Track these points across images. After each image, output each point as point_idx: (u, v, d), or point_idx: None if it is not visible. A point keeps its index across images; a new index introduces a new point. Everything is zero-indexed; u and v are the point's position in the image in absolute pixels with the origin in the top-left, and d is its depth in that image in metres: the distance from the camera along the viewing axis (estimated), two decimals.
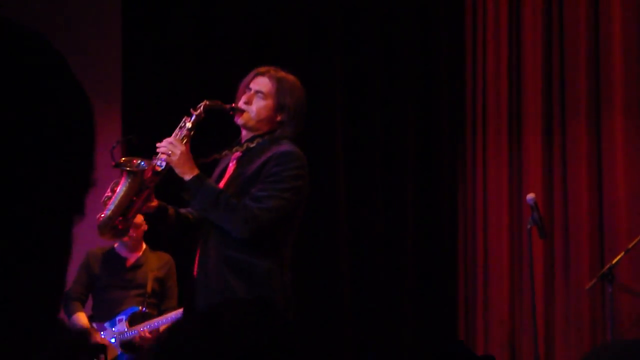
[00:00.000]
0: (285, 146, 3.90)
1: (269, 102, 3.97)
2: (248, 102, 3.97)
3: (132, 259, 5.85)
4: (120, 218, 3.77)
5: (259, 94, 3.97)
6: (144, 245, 5.93)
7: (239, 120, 3.98)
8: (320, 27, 6.99)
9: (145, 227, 5.82)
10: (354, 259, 6.84)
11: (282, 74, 4.06)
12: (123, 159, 3.87)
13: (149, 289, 5.74)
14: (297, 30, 6.96)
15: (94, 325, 5.69)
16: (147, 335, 5.54)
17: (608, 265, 5.72)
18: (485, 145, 6.88)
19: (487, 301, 6.75)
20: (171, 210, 4.01)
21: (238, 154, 3.99)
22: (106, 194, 3.78)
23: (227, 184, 3.89)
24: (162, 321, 5.59)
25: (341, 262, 6.81)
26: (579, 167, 6.67)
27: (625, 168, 6.58)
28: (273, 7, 6.99)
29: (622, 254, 5.80)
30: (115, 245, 5.85)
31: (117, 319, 5.67)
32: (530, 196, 5.52)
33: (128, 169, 3.78)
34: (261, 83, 4.00)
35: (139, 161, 3.83)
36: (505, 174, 6.80)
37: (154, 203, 3.91)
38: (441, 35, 6.99)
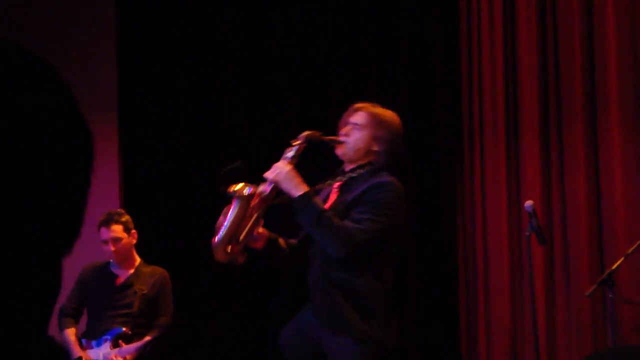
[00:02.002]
0: (386, 177, 4.22)
1: (364, 134, 4.29)
2: (346, 135, 4.30)
3: (122, 277, 5.76)
4: (231, 242, 4.06)
5: (356, 127, 4.30)
6: (138, 260, 5.84)
7: (338, 151, 4.31)
8: (315, 32, 6.98)
9: (134, 239, 5.76)
10: None
11: (378, 108, 4.40)
12: (233, 185, 4.09)
13: (135, 309, 5.64)
14: (291, 34, 6.95)
15: (84, 342, 5.65)
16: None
17: (608, 271, 5.70)
18: (483, 152, 6.86)
19: (488, 309, 6.73)
20: (281, 241, 4.31)
21: (339, 183, 4.31)
22: (219, 219, 4.05)
23: (329, 210, 4.14)
24: (131, 349, 5.54)
25: None
26: (576, 173, 6.66)
27: (623, 173, 6.58)
28: (268, 11, 6.98)
29: (622, 259, 5.78)
30: (111, 260, 5.79)
31: (103, 338, 5.61)
32: (529, 203, 5.51)
33: (237, 194, 4.06)
34: (358, 117, 4.33)
35: (247, 187, 4.08)
36: (503, 181, 6.79)
37: (264, 234, 4.22)
38: (436, 43, 6.97)
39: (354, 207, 4.11)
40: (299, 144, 4.22)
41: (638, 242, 5.84)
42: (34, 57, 0.91)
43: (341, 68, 6.96)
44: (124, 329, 5.61)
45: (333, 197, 4.30)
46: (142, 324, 5.66)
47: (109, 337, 5.60)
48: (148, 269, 5.81)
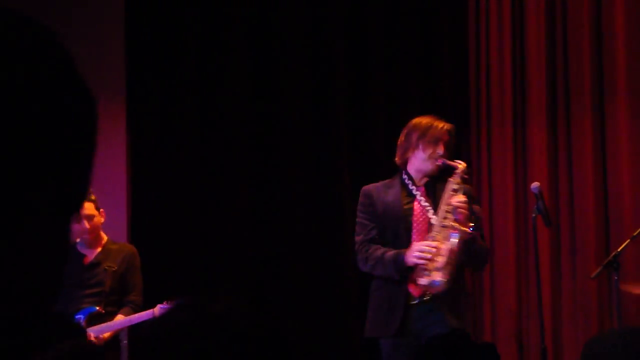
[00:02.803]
0: None
1: None
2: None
3: (90, 256, 5.74)
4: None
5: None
6: (105, 238, 5.82)
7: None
8: (322, 28, 6.97)
9: (102, 218, 5.74)
10: None
11: None
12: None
13: (107, 287, 5.64)
14: (299, 30, 6.94)
15: None
16: (93, 339, 5.47)
17: (613, 253, 5.71)
18: (490, 134, 6.87)
19: (493, 291, 6.75)
20: None
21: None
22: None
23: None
24: (111, 326, 5.56)
25: (348, 254, 6.82)
26: (583, 156, 6.67)
27: (629, 156, 6.58)
28: (275, 5, 6.97)
29: (628, 241, 5.79)
30: (77, 240, 5.76)
31: (75, 318, 5.56)
32: (535, 185, 5.51)
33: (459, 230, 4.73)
34: None
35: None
36: (510, 162, 6.79)
37: None
38: (444, 29, 6.98)
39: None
40: (459, 173, 4.83)
41: None
42: (31, 22, 0.92)
43: (349, 57, 6.95)
44: (97, 307, 5.61)
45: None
46: (113, 301, 5.67)
47: (82, 316, 5.59)
48: (115, 246, 5.81)
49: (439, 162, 4.91)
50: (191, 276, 6.57)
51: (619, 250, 5.71)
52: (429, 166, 4.93)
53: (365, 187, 5.09)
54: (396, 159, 5.05)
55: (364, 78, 6.96)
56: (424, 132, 4.91)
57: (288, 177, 6.89)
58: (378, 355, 5.02)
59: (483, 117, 6.89)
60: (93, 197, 5.67)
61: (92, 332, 5.51)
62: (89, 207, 5.66)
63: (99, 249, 5.77)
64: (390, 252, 4.81)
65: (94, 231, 5.73)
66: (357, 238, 5.00)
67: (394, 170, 6.18)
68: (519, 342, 6.69)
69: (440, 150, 4.88)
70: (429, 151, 4.89)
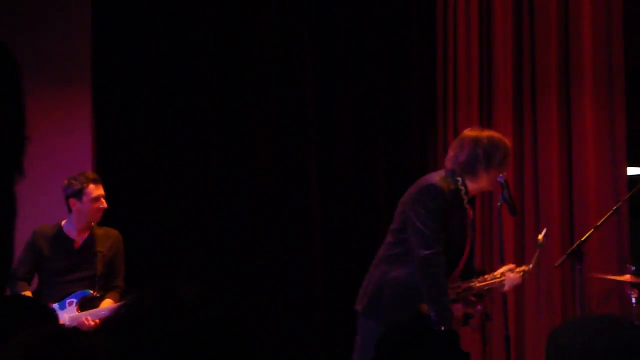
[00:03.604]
0: None
1: None
2: None
3: (79, 240, 5.74)
4: None
5: None
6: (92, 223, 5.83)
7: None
8: (290, 14, 6.95)
9: (105, 205, 5.72)
10: (327, 241, 6.86)
11: None
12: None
13: (98, 271, 5.66)
14: (267, 20, 6.92)
15: None
16: (91, 323, 5.48)
17: (577, 243, 5.75)
18: (456, 122, 6.90)
19: None
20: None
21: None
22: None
23: None
24: (103, 311, 5.55)
25: (315, 246, 6.83)
26: (549, 145, 6.71)
27: (594, 146, 6.64)
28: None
29: (592, 230, 5.84)
30: (63, 223, 5.75)
31: (66, 301, 5.60)
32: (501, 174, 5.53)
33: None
34: None
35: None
36: None
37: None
38: (412, 13, 6.99)
39: None
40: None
41: (607, 214, 5.90)
42: None
43: (316, 46, 6.95)
44: (91, 291, 5.62)
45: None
46: (102, 285, 5.68)
47: (74, 299, 5.59)
48: (102, 231, 5.80)
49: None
50: (157, 262, 6.55)
51: (582, 239, 5.75)
52: (491, 188, 4.94)
53: (441, 187, 4.67)
54: (453, 165, 4.78)
55: (331, 66, 6.96)
56: (504, 156, 4.80)
57: (256, 164, 6.89)
58: (339, 346, 5.03)
59: (450, 107, 6.91)
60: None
61: (90, 316, 5.51)
62: (101, 188, 5.69)
63: (87, 233, 5.76)
64: (447, 303, 4.59)
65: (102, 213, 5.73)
66: (429, 241, 4.59)
67: (361, 162, 6.21)
68: (482, 330, 6.72)
69: (501, 177, 4.79)
70: (498, 175, 4.79)
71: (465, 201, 4.76)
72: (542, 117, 6.76)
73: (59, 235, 5.73)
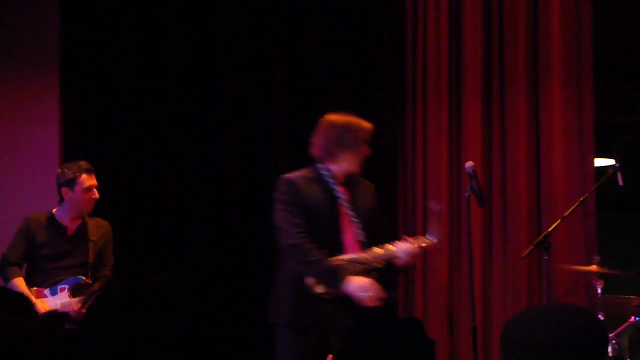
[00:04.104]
0: None
1: None
2: None
3: (72, 227, 5.74)
4: None
5: None
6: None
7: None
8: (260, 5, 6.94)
9: (97, 195, 5.72)
10: None
11: None
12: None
13: (91, 259, 5.68)
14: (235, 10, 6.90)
15: (33, 290, 5.61)
16: (82, 310, 5.49)
17: (544, 233, 5.79)
18: (425, 113, 6.90)
19: (425, 269, 6.80)
20: None
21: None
22: None
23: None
24: None
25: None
26: (517, 136, 6.74)
27: (562, 137, 6.68)
28: None
29: (559, 221, 5.87)
30: (54, 211, 5.75)
31: (58, 287, 5.60)
32: (469, 164, 5.55)
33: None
34: None
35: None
36: (445, 141, 6.83)
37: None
38: (382, 7, 6.98)
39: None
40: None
41: (575, 206, 5.94)
42: None
43: (287, 41, 6.93)
44: (83, 278, 5.63)
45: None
46: (94, 274, 5.70)
47: (66, 285, 5.60)
48: (93, 221, 5.81)
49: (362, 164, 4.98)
50: (130, 252, 6.51)
51: (550, 230, 5.79)
52: (357, 167, 4.98)
53: (288, 176, 4.94)
54: (316, 152, 4.97)
55: (300, 60, 6.94)
56: (358, 133, 4.94)
57: (228, 155, 6.87)
58: None
59: (419, 98, 6.92)
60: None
61: (79, 303, 5.52)
62: (94, 178, 5.69)
63: (80, 222, 5.76)
64: (330, 265, 4.75)
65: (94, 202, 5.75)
66: (287, 234, 4.81)
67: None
68: (449, 320, 6.75)
69: (368, 151, 4.97)
70: (361, 153, 4.95)
71: (334, 184, 4.91)
72: (511, 109, 6.78)
73: (52, 222, 5.73)
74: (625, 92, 7.31)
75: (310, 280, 4.72)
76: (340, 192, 4.91)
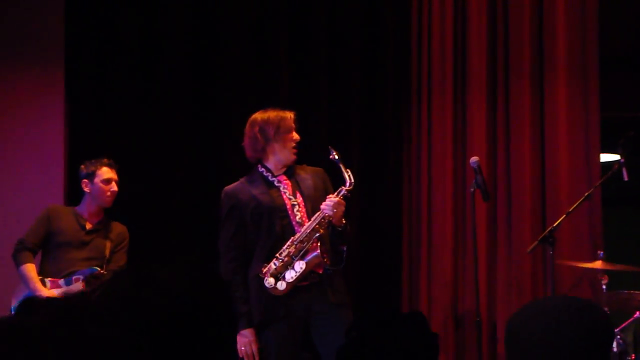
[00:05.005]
0: None
1: None
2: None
3: (92, 221, 5.84)
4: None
5: None
6: (104, 212, 5.93)
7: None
8: None
9: (115, 188, 5.83)
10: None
11: None
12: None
13: (107, 253, 5.76)
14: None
15: (47, 282, 5.65)
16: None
17: (549, 229, 5.79)
18: (430, 107, 6.88)
19: (430, 263, 6.78)
20: None
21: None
22: None
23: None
24: None
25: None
26: (522, 131, 6.72)
27: (567, 132, 6.66)
28: None
29: (563, 216, 5.87)
30: (77, 207, 5.87)
31: (73, 277, 5.65)
32: (474, 159, 5.55)
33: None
34: None
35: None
36: (450, 137, 6.82)
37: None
38: None
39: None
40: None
41: (579, 201, 5.94)
42: None
43: (292, 32, 6.91)
44: (98, 269, 5.69)
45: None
46: (108, 269, 5.75)
47: (81, 275, 5.65)
48: (112, 223, 5.94)
49: (294, 151, 5.15)
50: (135, 245, 6.50)
51: (554, 225, 5.79)
52: (289, 156, 5.14)
53: (226, 188, 5.20)
54: (248, 154, 5.22)
55: (304, 52, 6.93)
56: (278, 124, 5.11)
57: (232, 147, 6.86)
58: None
59: (424, 92, 6.90)
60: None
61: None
62: (115, 172, 5.86)
63: (100, 218, 5.89)
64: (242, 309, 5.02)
65: (114, 196, 5.87)
66: (223, 261, 5.13)
67: (334, 138, 6.19)
68: (454, 314, 6.75)
69: (296, 137, 5.14)
70: (288, 142, 5.11)
71: (273, 176, 5.13)
72: (516, 103, 6.76)
73: (73, 214, 5.85)
74: (631, 87, 7.29)
75: (268, 282, 4.93)
76: (281, 182, 5.13)
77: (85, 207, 5.86)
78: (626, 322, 5.97)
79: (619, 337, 5.81)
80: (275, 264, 4.94)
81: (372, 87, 6.94)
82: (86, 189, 5.81)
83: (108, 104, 6.83)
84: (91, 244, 5.77)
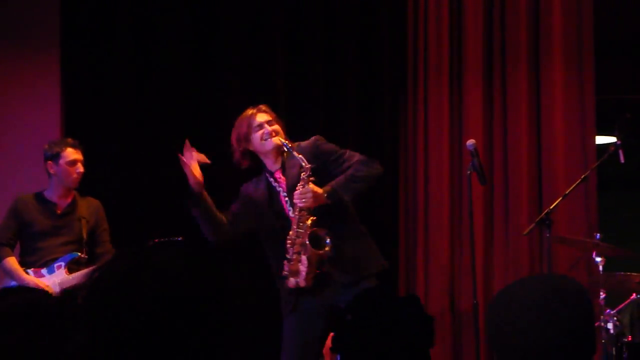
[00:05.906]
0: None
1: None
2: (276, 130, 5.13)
3: (62, 204, 5.75)
4: None
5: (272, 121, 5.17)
6: (74, 191, 5.82)
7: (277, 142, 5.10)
8: None
9: (81, 169, 5.74)
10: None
11: None
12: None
13: (84, 236, 5.68)
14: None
15: (30, 272, 5.62)
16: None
17: (546, 211, 5.79)
18: (427, 91, 6.89)
19: (427, 246, 6.80)
20: (209, 201, 5.21)
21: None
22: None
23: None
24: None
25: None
26: (518, 114, 6.73)
27: (563, 115, 6.67)
28: None
29: (560, 199, 5.88)
30: (44, 191, 5.78)
31: (55, 265, 5.61)
32: (471, 142, 5.55)
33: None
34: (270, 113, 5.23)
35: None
36: (446, 119, 6.83)
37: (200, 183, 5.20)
38: None
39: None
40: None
41: (576, 183, 5.94)
42: None
43: (288, 21, 6.90)
44: (79, 254, 5.64)
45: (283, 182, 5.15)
46: (89, 251, 5.71)
47: (62, 262, 5.61)
48: (84, 200, 5.82)
49: (276, 142, 5.12)
50: (132, 227, 6.51)
51: (551, 207, 5.80)
52: (266, 146, 5.14)
53: (242, 187, 5.34)
54: (243, 164, 5.27)
55: (300, 42, 6.92)
56: (249, 121, 5.16)
57: (226, 138, 6.86)
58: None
59: (420, 75, 6.90)
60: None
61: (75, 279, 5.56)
62: (80, 153, 5.73)
63: (70, 199, 5.78)
64: None
65: (80, 179, 5.76)
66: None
67: (331, 134, 6.19)
68: (451, 297, 6.77)
69: (267, 128, 5.11)
70: (261, 134, 5.11)
71: (271, 174, 5.18)
72: (512, 86, 6.77)
73: (41, 200, 5.75)
74: (627, 69, 7.29)
75: (290, 282, 5.03)
76: (278, 179, 5.17)
77: (53, 191, 5.74)
78: (623, 304, 5.99)
79: (615, 318, 5.82)
80: (287, 265, 5.02)
81: (368, 72, 6.94)
82: (51, 171, 5.68)
83: (104, 90, 6.83)
84: (65, 228, 5.69)
